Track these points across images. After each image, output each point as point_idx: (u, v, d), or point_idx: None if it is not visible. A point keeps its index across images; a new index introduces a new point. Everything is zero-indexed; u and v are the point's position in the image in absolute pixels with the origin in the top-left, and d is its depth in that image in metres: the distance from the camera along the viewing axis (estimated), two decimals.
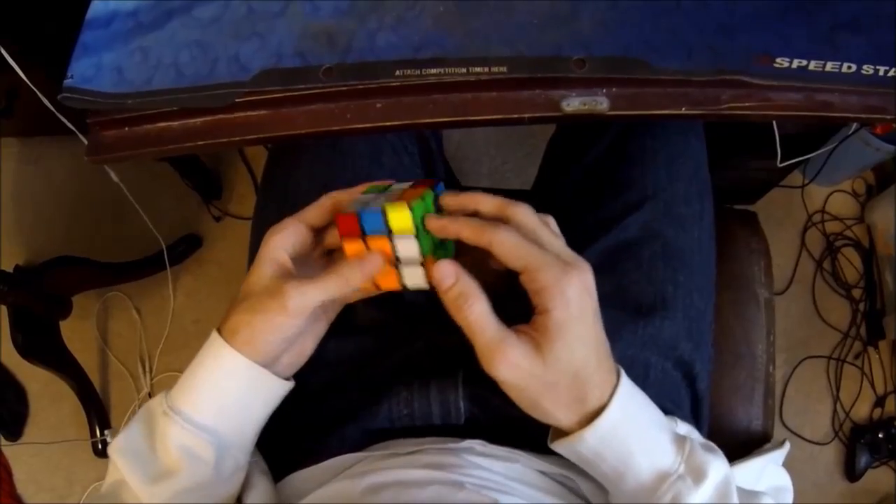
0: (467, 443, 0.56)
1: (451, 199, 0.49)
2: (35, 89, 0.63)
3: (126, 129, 0.57)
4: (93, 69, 0.56)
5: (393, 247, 0.47)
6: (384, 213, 0.46)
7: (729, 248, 0.87)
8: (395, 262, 0.48)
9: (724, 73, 0.52)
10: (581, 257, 0.45)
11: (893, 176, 1.55)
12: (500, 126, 0.55)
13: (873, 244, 1.55)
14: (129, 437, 0.51)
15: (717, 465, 0.47)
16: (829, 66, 0.52)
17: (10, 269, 1.37)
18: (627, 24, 0.54)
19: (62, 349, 1.47)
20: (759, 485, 0.65)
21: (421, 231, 0.47)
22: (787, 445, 0.70)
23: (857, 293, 1.54)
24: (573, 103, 0.53)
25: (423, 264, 0.47)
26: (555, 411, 0.45)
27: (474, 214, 0.48)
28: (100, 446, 1.49)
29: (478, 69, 0.53)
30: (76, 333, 1.53)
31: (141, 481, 0.49)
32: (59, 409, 1.54)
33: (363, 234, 0.48)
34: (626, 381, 0.46)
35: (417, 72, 0.54)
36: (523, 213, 0.46)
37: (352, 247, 0.48)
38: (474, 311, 0.43)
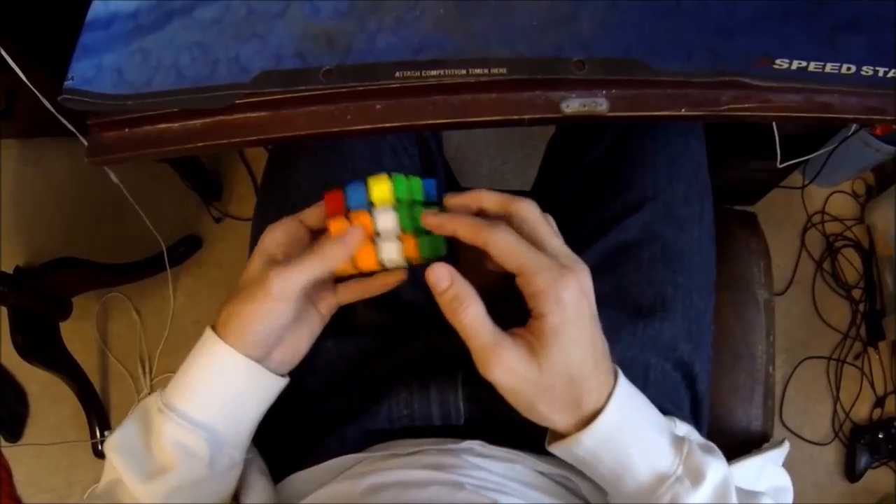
0: (467, 443, 0.56)
1: (453, 200, 0.49)
2: (35, 90, 0.63)
3: (126, 130, 0.57)
4: (93, 70, 0.56)
5: (373, 221, 0.48)
6: (367, 186, 0.48)
7: (729, 248, 0.87)
8: (375, 238, 0.48)
9: (723, 75, 0.52)
10: (579, 259, 0.45)
11: (893, 177, 1.55)
12: (500, 127, 0.55)
13: (873, 245, 1.55)
14: (124, 434, 0.51)
15: (715, 466, 0.47)
16: (829, 67, 0.52)
17: (10, 270, 1.37)
18: (627, 26, 0.54)
19: (62, 350, 1.47)
20: (759, 485, 0.65)
21: (401, 206, 0.48)
22: (787, 445, 0.70)
23: (856, 294, 1.54)
24: (573, 105, 0.53)
25: (400, 238, 0.47)
26: (551, 414, 0.45)
27: (479, 214, 0.48)
28: (100, 447, 1.48)
29: (478, 70, 0.53)
30: (76, 334, 1.53)
31: (136, 479, 0.49)
32: (59, 411, 1.54)
33: (347, 213, 0.49)
34: (623, 383, 0.46)
35: (417, 73, 0.54)
36: (527, 208, 0.46)
37: (336, 226, 0.49)
38: (469, 314, 0.43)
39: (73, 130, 0.63)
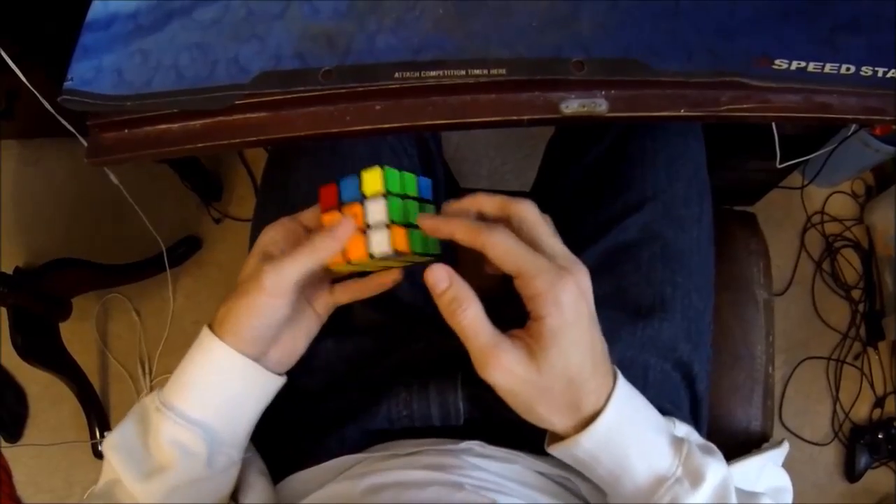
0: (466, 444, 0.56)
1: (451, 207, 0.49)
2: (35, 91, 0.63)
3: (126, 131, 0.57)
4: (93, 71, 0.56)
5: (364, 212, 0.48)
6: (359, 178, 0.48)
7: (728, 249, 0.88)
8: (366, 229, 0.48)
9: (723, 75, 0.53)
10: (578, 259, 0.45)
11: (893, 177, 1.55)
12: (499, 128, 0.55)
13: (873, 245, 1.55)
14: (122, 433, 0.52)
15: (715, 467, 0.47)
16: (828, 67, 0.52)
17: (9, 271, 1.37)
18: (627, 26, 0.55)
19: (62, 351, 1.47)
20: (759, 485, 0.65)
21: (392, 198, 0.48)
22: (786, 445, 0.70)
23: (856, 294, 1.54)
24: (572, 105, 0.53)
25: (388, 227, 0.47)
26: (549, 416, 0.45)
27: (479, 218, 0.48)
28: (99, 448, 1.48)
29: (477, 71, 0.53)
30: (76, 335, 1.53)
31: (134, 478, 0.49)
32: (59, 411, 1.54)
33: (340, 205, 0.49)
34: (622, 384, 0.46)
35: (417, 74, 0.54)
36: (525, 209, 0.46)
37: (329, 219, 0.50)
38: (468, 316, 0.43)
39: (73, 131, 0.63)
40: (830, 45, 0.53)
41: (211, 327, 0.50)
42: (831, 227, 1.59)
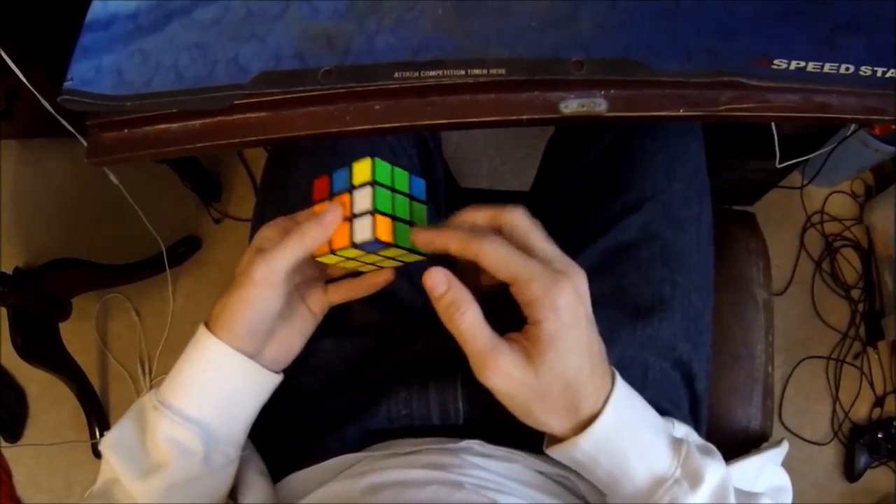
0: (466, 443, 0.56)
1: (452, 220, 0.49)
2: (35, 92, 0.63)
3: (125, 131, 0.57)
4: (92, 71, 0.56)
5: (352, 201, 0.48)
6: (350, 169, 0.48)
7: (728, 248, 0.88)
8: (351, 218, 0.48)
9: (722, 75, 0.53)
10: (573, 262, 0.45)
11: (892, 177, 1.55)
12: (499, 128, 0.55)
13: (872, 245, 1.56)
14: (120, 432, 0.52)
15: (714, 468, 0.47)
16: (828, 67, 0.53)
17: (9, 271, 1.37)
18: (626, 26, 0.55)
19: (62, 351, 1.47)
20: (758, 484, 0.65)
21: (378, 187, 0.47)
22: (786, 445, 0.70)
23: (856, 294, 1.54)
24: (571, 105, 0.53)
25: (372, 215, 0.47)
26: (548, 419, 0.45)
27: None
28: (99, 448, 1.48)
29: (476, 71, 0.53)
30: (76, 335, 1.53)
31: (132, 477, 0.50)
32: (59, 411, 1.54)
33: (331, 196, 0.50)
34: (620, 386, 0.46)
35: (416, 74, 0.54)
36: (515, 216, 0.46)
37: (319, 210, 0.50)
38: (466, 320, 0.43)
39: (73, 131, 0.63)
40: (830, 45, 0.53)
41: (207, 325, 0.50)
42: (831, 227, 1.59)
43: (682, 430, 0.59)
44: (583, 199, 0.71)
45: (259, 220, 0.73)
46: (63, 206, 1.68)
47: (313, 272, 0.56)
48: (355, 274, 0.55)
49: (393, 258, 0.51)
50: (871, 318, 1.51)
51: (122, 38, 0.58)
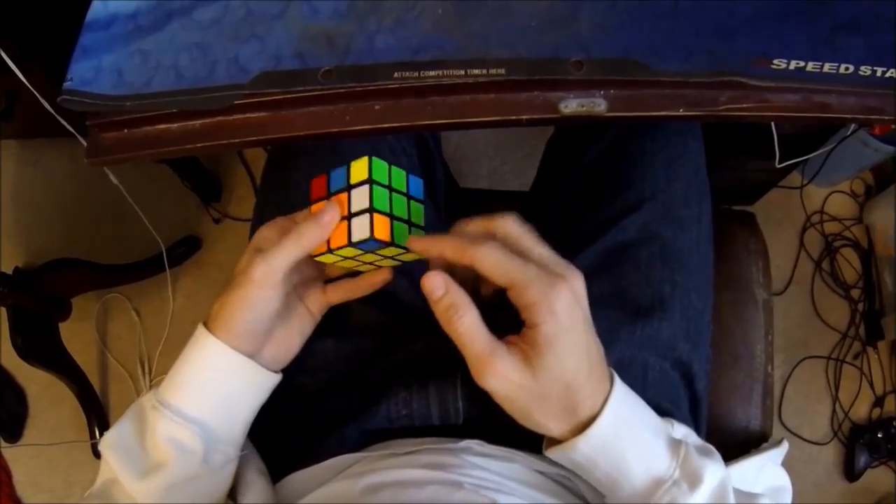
0: (466, 443, 0.56)
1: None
2: (35, 92, 0.63)
3: (125, 130, 0.57)
4: (92, 71, 0.56)
5: (349, 200, 0.48)
6: (348, 168, 0.49)
7: (727, 248, 0.88)
8: (349, 217, 0.48)
9: (721, 75, 0.53)
10: (569, 264, 0.45)
11: (892, 176, 1.55)
12: (499, 128, 0.55)
13: (872, 245, 1.56)
14: (119, 432, 0.52)
15: (712, 469, 0.47)
16: (827, 66, 0.53)
17: (9, 271, 1.37)
18: (626, 26, 0.55)
19: (62, 351, 1.47)
20: (758, 484, 0.65)
21: (376, 185, 0.48)
22: (786, 445, 0.70)
23: (855, 293, 1.54)
24: (571, 105, 0.53)
25: (370, 213, 0.47)
26: (546, 422, 0.45)
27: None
28: (98, 448, 1.48)
29: (476, 71, 0.53)
30: (75, 335, 1.53)
31: (132, 476, 0.50)
32: (59, 411, 1.54)
33: (329, 195, 0.50)
34: (619, 388, 0.46)
35: (416, 74, 0.54)
36: (507, 223, 0.46)
37: (317, 209, 0.50)
38: (464, 323, 0.43)
39: (73, 131, 0.63)
40: (829, 45, 0.53)
41: (205, 324, 0.51)
42: (830, 227, 1.59)
43: (681, 430, 0.59)
44: (582, 198, 0.71)
45: (259, 220, 0.73)
46: (63, 206, 1.68)
47: (312, 272, 0.56)
48: (354, 274, 0.55)
49: (391, 257, 0.51)
50: (870, 318, 1.51)
51: (122, 38, 0.58)
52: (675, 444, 0.47)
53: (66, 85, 0.56)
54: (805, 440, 1.45)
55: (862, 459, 1.41)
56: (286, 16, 0.57)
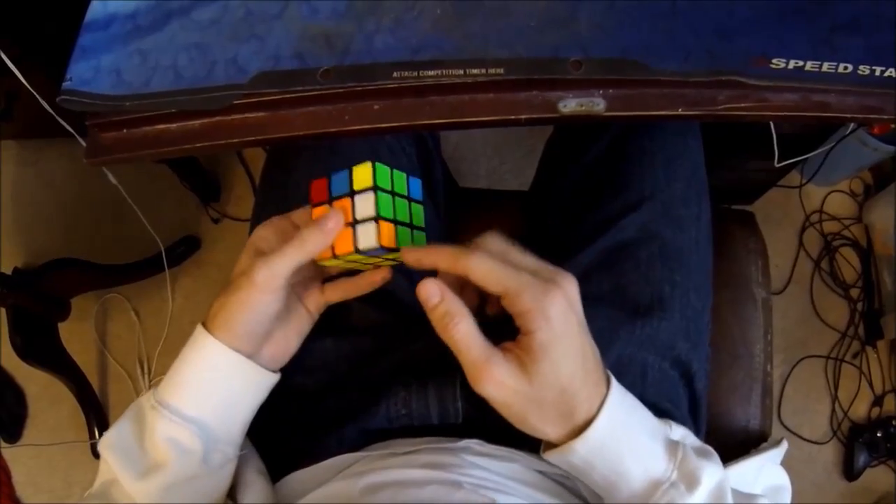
0: (465, 442, 0.56)
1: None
2: (34, 92, 0.63)
3: (124, 131, 0.57)
4: (91, 71, 0.56)
5: (353, 207, 0.48)
6: (350, 173, 0.48)
7: (727, 248, 0.88)
8: (353, 224, 0.49)
9: (720, 74, 0.53)
10: (560, 269, 0.45)
11: (891, 176, 1.55)
12: (498, 127, 0.55)
13: (871, 244, 1.56)
14: (118, 432, 0.52)
15: (710, 470, 0.47)
16: (826, 66, 0.53)
17: (8, 271, 1.37)
18: (625, 26, 0.55)
19: (61, 351, 1.47)
20: (757, 484, 0.65)
21: (381, 193, 0.48)
22: (785, 444, 0.70)
23: (855, 293, 1.54)
24: (570, 105, 0.53)
25: (376, 221, 0.47)
26: (543, 426, 0.45)
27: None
28: (98, 448, 1.48)
29: (475, 71, 0.53)
30: (75, 335, 1.53)
31: (131, 477, 0.50)
32: (58, 411, 1.54)
33: (330, 200, 0.50)
34: (615, 391, 0.46)
35: (415, 74, 0.54)
36: (493, 240, 0.46)
37: (319, 213, 0.50)
38: (460, 330, 0.44)
39: (72, 131, 0.63)
40: (828, 45, 0.53)
41: (204, 325, 0.51)
42: (830, 226, 1.59)
43: (680, 431, 0.59)
44: (582, 198, 0.71)
45: (258, 220, 0.72)
46: (62, 206, 1.68)
47: (310, 272, 0.56)
48: (352, 272, 0.55)
49: (393, 259, 0.51)
50: (869, 317, 1.51)
51: (121, 39, 0.58)
52: (673, 446, 0.47)
53: (66, 85, 0.56)
54: (804, 439, 1.45)
55: (861, 459, 1.41)
56: (285, 16, 0.57)
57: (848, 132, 1.29)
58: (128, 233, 1.50)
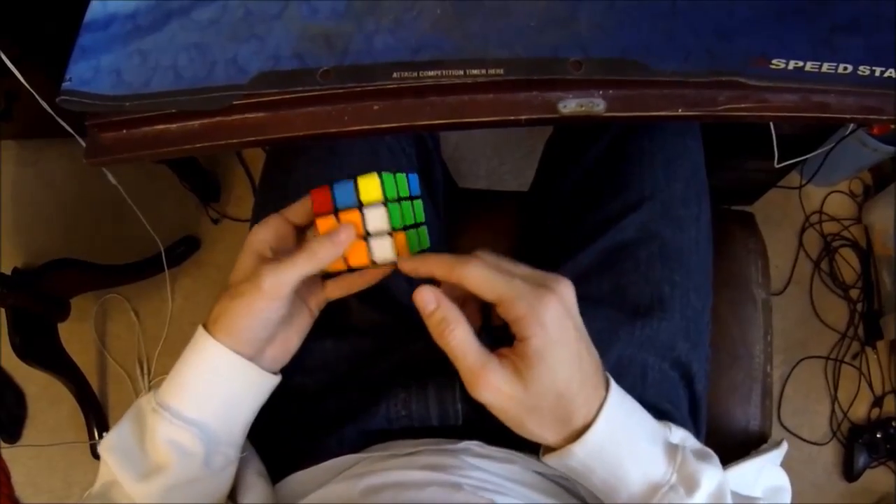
0: (465, 444, 0.56)
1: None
2: (34, 92, 0.63)
3: (124, 131, 0.57)
4: (91, 72, 0.56)
5: (363, 219, 0.48)
6: (355, 184, 0.48)
7: (726, 248, 0.88)
8: (366, 236, 0.49)
9: (720, 75, 0.53)
10: (555, 275, 0.45)
11: (891, 176, 1.55)
12: (497, 128, 0.55)
13: (871, 245, 1.56)
14: (119, 434, 0.52)
15: (710, 473, 0.47)
16: (826, 66, 0.53)
17: (8, 272, 1.37)
18: (624, 26, 0.55)
19: (60, 351, 1.47)
20: (757, 485, 0.65)
21: (390, 203, 0.48)
22: (785, 445, 0.70)
23: (854, 293, 1.54)
24: (570, 105, 0.53)
25: (391, 235, 0.48)
26: (540, 431, 0.45)
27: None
28: (98, 450, 1.48)
29: (475, 71, 0.53)
30: (74, 335, 1.53)
31: (132, 478, 0.50)
32: (58, 412, 1.54)
33: (336, 211, 0.49)
34: (615, 394, 0.46)
35: (415, 74, 0.54)
36: (483, 255, 0.46)
37: (324, 224, 0.50)
38: (456, 337, 0.44)
39: (72, 132, 0.63)
40: (828, 45, 0.53)
41: (206, 327, 0.50)
42: (829, 227, 1.59)
43: (679, 434, 0.59)
44: (582, 198, 0.71)
45: (257, 221, 0.72)
46: (62, 207, 1.68)
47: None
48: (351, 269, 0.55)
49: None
50: (869, 318, 1.51)
51: (121, 39, 0.58)
52: (672, 449, 0.47)
53: (65, 85, 0.56)
54: (804, 440, 1.45)
55: (861, 459, 1.41)
56: (284, 16, 0.57)
57: (848, 133, 1.29)
58: (127, 233, 1.50)
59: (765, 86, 0.53)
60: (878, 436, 1.41)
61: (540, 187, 0.84)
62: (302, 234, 0.54)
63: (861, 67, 0.52)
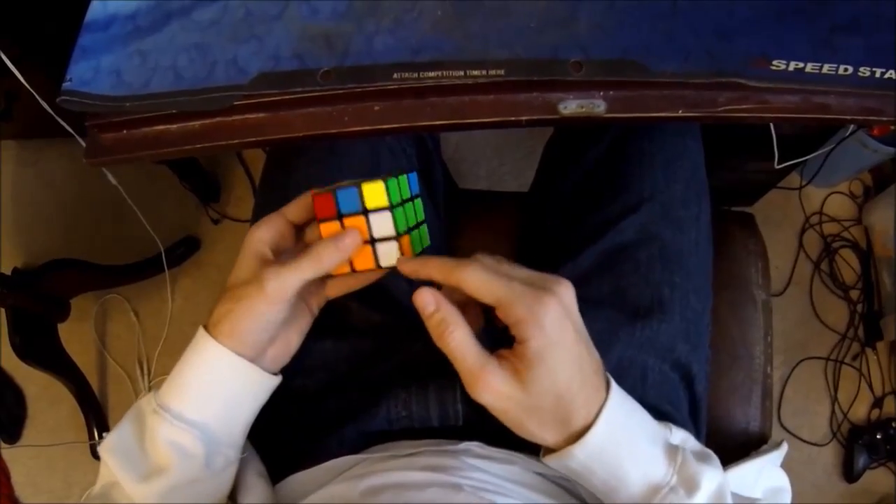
0: (465, 445, 0.56)
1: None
2: (34, 92, 0.63)
3: (124, 131, 0.57)
4: (91, 72, 0.56)
5: (368, 225, 0.48)
6: (359, 190, 0.48)
7: (726, 249, 0.88)
8: (371, 241, 0.49)
9: (720, 76, 0.53)
10: (555, 276, 0.45)
11: (891, 177, 1.55)
12: (498, 129, 0.55)
13: (871, 246, 1.56)
14: (119, 435, 0.52)
15: (710, 474, 0.47)
16: (826, 68, 0.53)
17: (8, 272, 1.37)
18: (625, 27, 0.55)
19: (60, 352, 1.47)
20: (757, 486, 0.65)
21: (395, 208, 0.48)
22: (785, 446, 0.70)
23: (854, 294, 1.54)
24: (570, 106, 0.53)
25: (397, 240, 0.48)
26: (540, 433, 0.45)
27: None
28: (98, 449, 1.48)
29: (475, 72, 0.53)
30: (74, 336, 1.53)
31: (132, 480, 0.50)
32: (58, 412, 1.54)
33: (339, 216, 0.49)
34: (615, 396, 0.46)
35: (415, 75, 0.54)
36: (481, 257, 0.46)
37: (328, 229, 0.49)
38: (455, 338, 0.44)
39: (72, 132, 0.63)
40: (829, 46, 0.53)
41: (206, 328, 0.50)
42: (829, 228, 1.59)
43: (680, 435, 0.59)
44: (582, 200, 0.71)
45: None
46: (62, 207, 1.68)
47: None
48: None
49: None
50: (869, 319, 1.51)
51: (121, 39, 0.58)
52: (673, 450, 0.47)
53: (65, 85, 0.56)
54: (804, 441, 1.45)
55: (861, 460, 1.41)
56: (285, 16, 0.57)
57: (848, 134, 1.30)
58: (128, 233, 1.50)
59: (765, 87, 0.53)
60: (878, 437, 1.41)
61: (540, 188, 0.84)
62: (301, 233, 0.54)
63: (861, 68, 0.52)
